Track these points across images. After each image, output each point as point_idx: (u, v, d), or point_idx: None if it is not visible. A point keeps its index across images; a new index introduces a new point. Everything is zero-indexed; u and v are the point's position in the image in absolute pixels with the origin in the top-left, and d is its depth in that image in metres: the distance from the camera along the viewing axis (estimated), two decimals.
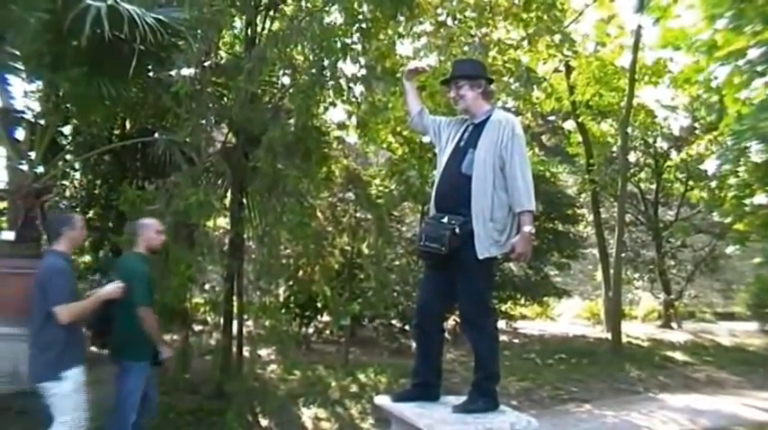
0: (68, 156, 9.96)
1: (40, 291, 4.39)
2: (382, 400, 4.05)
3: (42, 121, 7.80)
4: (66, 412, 4.37)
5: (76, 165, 10.72)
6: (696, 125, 18.48)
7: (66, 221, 4.76)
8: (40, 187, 7.65)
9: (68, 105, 8.35)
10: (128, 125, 10.29)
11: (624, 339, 13.12)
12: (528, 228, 3.60)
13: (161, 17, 6.64)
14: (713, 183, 15.70)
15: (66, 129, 9.98)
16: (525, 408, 6.80)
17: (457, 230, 3.55)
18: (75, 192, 11.30)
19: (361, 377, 9.12)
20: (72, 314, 4.37)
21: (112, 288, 4.60)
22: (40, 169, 7.93)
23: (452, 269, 3.64)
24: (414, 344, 4.32)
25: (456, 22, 11.21)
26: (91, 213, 10.93)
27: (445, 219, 3.63)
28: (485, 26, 11.49)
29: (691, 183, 19.14)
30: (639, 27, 13.19)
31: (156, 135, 8.85)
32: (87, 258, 11.25)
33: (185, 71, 7.17)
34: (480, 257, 3.58)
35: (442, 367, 3.96)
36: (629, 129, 15.10)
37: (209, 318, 10.94)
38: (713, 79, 10.60)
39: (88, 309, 4.58)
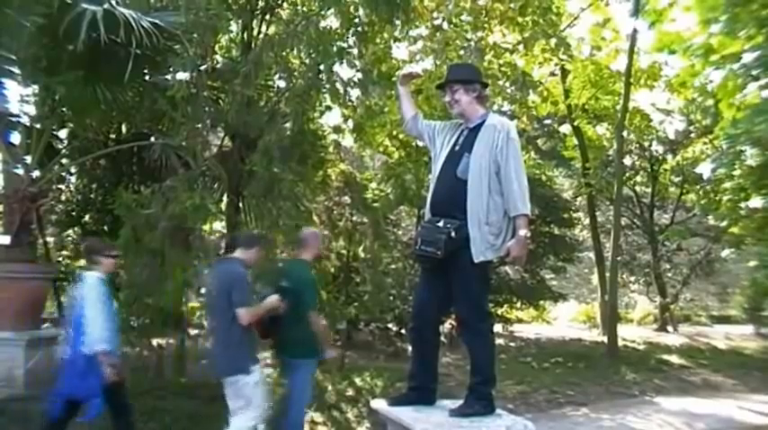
0: (64, 161, 9.92)
1: (225, 294, 4.85)
2: (379, 404, 4.05)
3: (38, 125, 7.78)
4: (255, 401, 4.93)
5: (72, 170, 10.69)
6: (691, 129, 18.56)
7: (257, 240, 5.42)
8: (36, 191, 7.63)
9: (64, 109, 8.33)
10: (124, 129, 10.26)
11: (620, 342, 13.15)
12: (523, 232, 3.61)
13: (157, 21, 6.63)
14: (708, 187, 15.73)
15: (62, 133, 9.93)
16: (522, 412, 6.79)
17: (453, 234, 3.56)
18: (70, 197, 11.27)
19: (358, 381, 9.11)
20: (252, 316, 4.86)
21: (276, 302, 5.08)
22: (36, 173, 7.91)
23: (448, 273, 3.64)
24: (410, 348, 4.32)
25: (452, 26, 11.24)
26: (86, 217, 10.91)
27: (441, 223, 3.63)
28: (480, 30, 11.52)
29: (686, 186, 19.22)
30: (635, 31, 13.23)
31: (153, 139, 8.84)
32: (83, 262, 11.22)
33: (181, 75, 7.18)
34: (476, 261, 3.58)
35: (438, 371, 3.96)
36: (625, 133, 15.13)
37: (205, 322, 10.94)
38: (708, 83, 10.64)
39: (262, 313, 5.03)
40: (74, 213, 10.94)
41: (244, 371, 4.85)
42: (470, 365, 3.78)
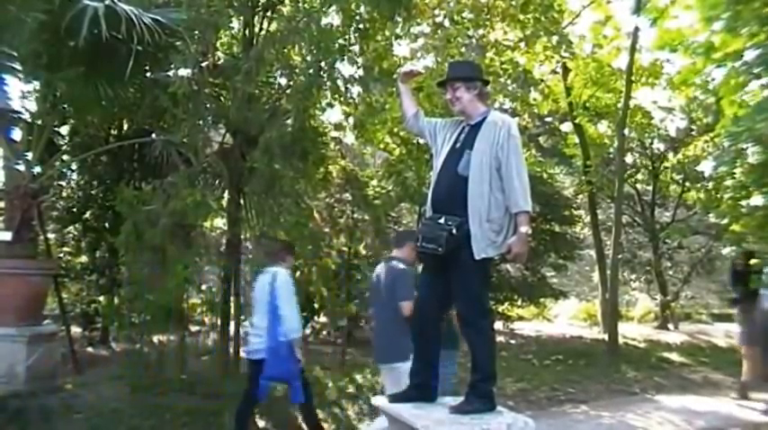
0: (65, 157, 9.95)
1: (389, 289, 5.34)
2: (380, 401, 4.06)
3: (39, 122, 7.79)
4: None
5: (73, 166, 10.71)
6: (693, 127, 18.53)
7: (412, 236, 5.37)
8: (37, 188, 7.65)
9: (66, 106, 8.35)
10: (125, 126, 10.29)
11: (621, 340, 13.12)
12: (524, 229, 3.61)
13: (158, 18, 6.64)
14: (710, 185, 15.70)
15: (64, 130, 9.96)
16: (522, 409, 6.79)
17: (454, 231, 3.56)
18: (71, 193, 11.29)
19: (358, 378, 9.10)
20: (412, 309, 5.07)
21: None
22: (37, 170, 7.92)
23: (449, 270, 3.64)
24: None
25: (453, 23, 11.23)
26: (87, 214, 10.93)
27: (442, 220, 3.63)
28: (482, 27, 11.50)
29: (687, 184, 19.18)
30: (636, 29, 13.20)
31: (154, 136, 8.84)
32: (84, 259, 11.25)
33: (183, 72, 7.18)
34: (477, 258, 3.58)
35: (439, 368, 3.96)
36: (626, 131, 15.11)
37: (206, 319, 10.96)
38: (710, 81, 10.62)
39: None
40: (75, 210, 10.96)
41: (402, 360, 5.06)
42: (471, 362, 3.78)
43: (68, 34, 6.49)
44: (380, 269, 5.67)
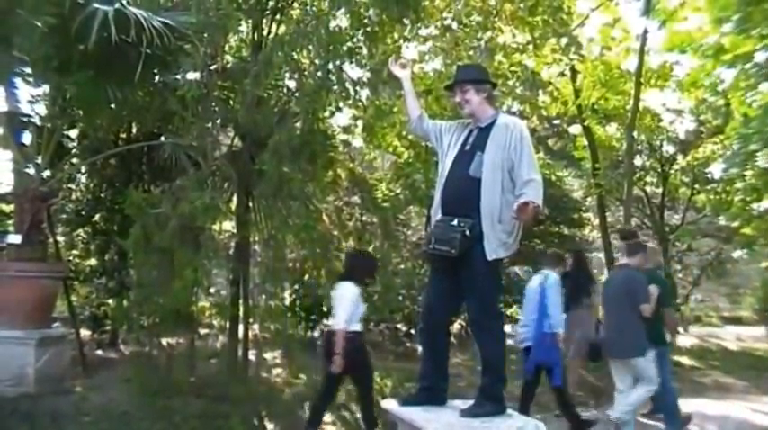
0: (75, 160, 9.98)
1: (631, 294, 6.25)
2: (390, 404, 4.05)
3: (49, 125, 7.81)
4: (649, 376, 6.30)
5: (83, 169, 10.73)
6: (702, 129, 18.45)
7: (644, 247, 6.88)
8: (47, 191, 7.66)
9: (75, 109, 8.37)
10: (134, 129, 10.29)
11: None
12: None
13: (168, 21, 6.65)
14: (719, 187, 15.63)
15: (73, 133, 9.98)
16: (532, 412, 6.74)
17: (467, 232, 3.54)
18: (81, 196, 11.31)
19: None
20: (651, 310, 6.28)
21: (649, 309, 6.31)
22: (47, 173, 7.94)
23: (460, 272, 3.63)
24: (419, 348, 4.32)
25: (461, 26, 11.21)
26: (97, 217, 10.95)
27: (455, 222, 3.61)
28: (490, 30, 11.48)
29: (697, 186, 19.10)
30: (645, 31, 13.15)
31: (163, 138, 8.86)
32: (93, 261, 11.28)
33: (192, 75, 7.19)
34: (489, 259, 3.57)
35: (448, 371, 3.94)
36: (635, 133, 15.05)
37: (214, 322, 10.95)
38: (720, 83, 10.57)
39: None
40: (84, 212, 10.98)
41: (642, 355, 6.20)
42: (481, 365, 3.77)
43: (78, 38, 6.51)
44: (615, 275, 6.89)
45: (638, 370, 6.30)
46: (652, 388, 6.38)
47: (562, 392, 6.78)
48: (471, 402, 3.69)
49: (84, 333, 10.15)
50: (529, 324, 6.63)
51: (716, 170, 17.64)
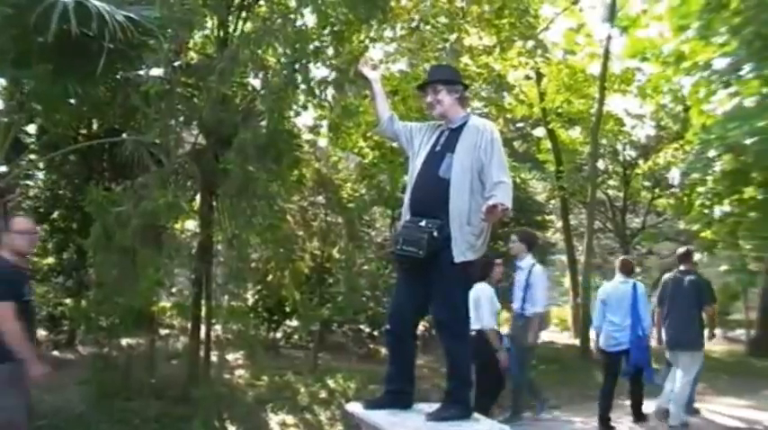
0: (33, 156, 9.74)
1: (695, 296, 7.28)
2: (354, 407, 3.98)
3: (6, 120, 7.60)
4: (694, 370, 7.33)
5: (41, 165, 10.50)
6: (663, 134, 18.80)
7: (692, 254, 7.97)
8: (3, 187, 7.42)
9: (33, 103, 8.15)
10: (95, 125, 10.10)
11: (592, 345, 13.21)
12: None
13: (131, 15, 6.47)
14: (680, 192, 15.91)
15: (31, 128, 9.74)
16: (495, 416, 6.79)
17: (435, 234, 3.51)
18: (39, 193, 11.07)
19: (330, 383, 9.05)
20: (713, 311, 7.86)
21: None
22: (3, 168, 7.71)
23: (428, 273, 3.60)
24: (384, 350, 4.28)
25: (428, 27, 11.24)
26: (55, 214, 10.73)
27: (423, 223, 3.58)
28: (457, 32, 11.53)
29: (657, 191, 19.44)
30: (609, 36, 13.35)
31: (125, 135, 8.68)
32: (51, 260, 11.03)
33: (155, 71, 7.06)
34: (456, 261, 3.54)
35: (415, 374, 3.91)
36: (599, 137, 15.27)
37: (176, 322, 10.80)
38: (679, 89, 10.77)
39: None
40: (42, 210, 10.73)
41: (699, 349, 7.39)
42: (447, 368, 3.75)
43: (37, 30, 6.31)
44: (672, 278, 7.63)
45: (695, 360, 7.29)
46: (692, 379, 7.34)
47: (640, 385, 7.62)
48: (437, 405, 3.66)
49: (41, 333, 9.93)
50: (624, 328, 7.20)
51: (675, 176, 18.01)
